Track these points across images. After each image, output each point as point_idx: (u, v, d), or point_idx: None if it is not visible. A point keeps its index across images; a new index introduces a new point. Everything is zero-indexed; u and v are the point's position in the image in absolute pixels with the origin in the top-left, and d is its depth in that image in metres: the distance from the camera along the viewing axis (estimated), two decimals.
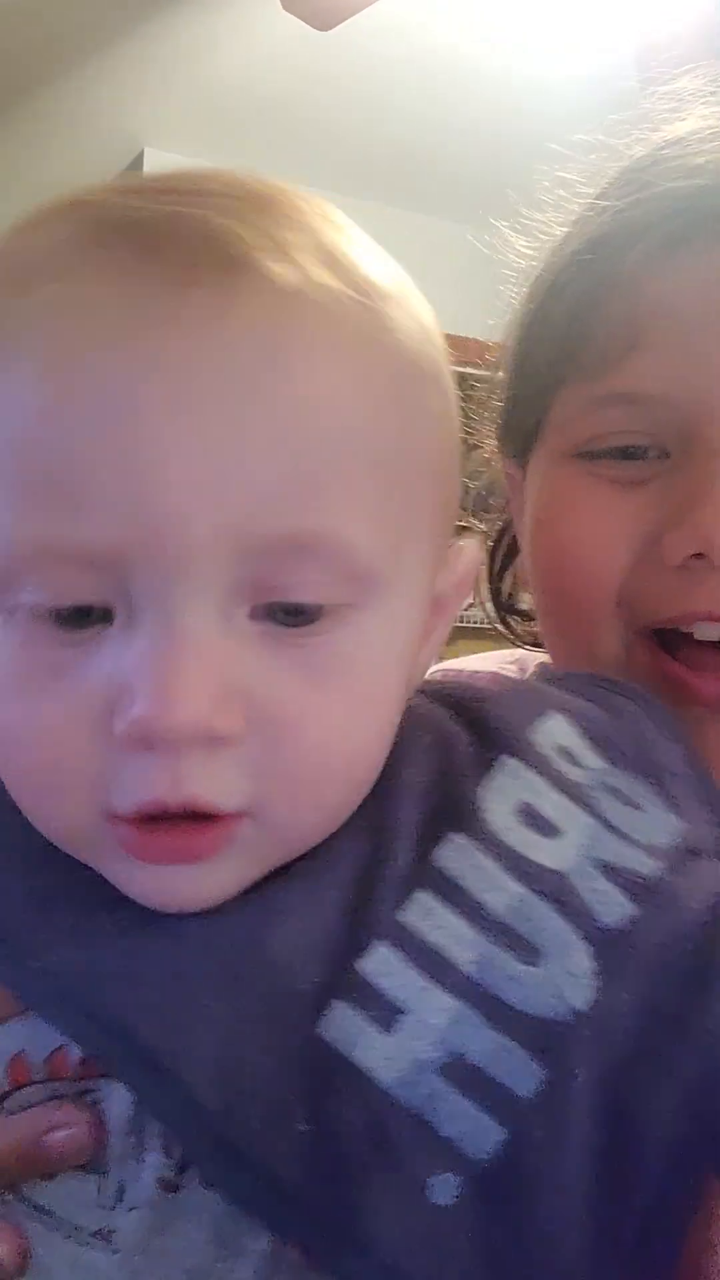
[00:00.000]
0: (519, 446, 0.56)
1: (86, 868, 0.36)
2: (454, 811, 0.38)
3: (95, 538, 0.31)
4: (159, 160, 2.97)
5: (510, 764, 0.39)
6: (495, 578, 0.66)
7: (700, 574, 0.47)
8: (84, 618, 0.32)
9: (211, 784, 0.32)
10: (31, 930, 0.36)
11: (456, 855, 0.37)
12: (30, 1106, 0.36)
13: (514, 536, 0.62)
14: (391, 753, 0.38)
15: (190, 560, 0.31)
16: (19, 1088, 0.37)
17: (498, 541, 0.67)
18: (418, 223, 3.25)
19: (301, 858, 0.36)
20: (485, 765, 0.39)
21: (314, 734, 0.33)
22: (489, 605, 0.68)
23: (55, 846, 0.36)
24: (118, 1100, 0.35)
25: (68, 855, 0.36)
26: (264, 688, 0.32)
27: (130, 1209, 0.35)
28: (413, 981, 0.34)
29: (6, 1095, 0.37)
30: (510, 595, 0.67)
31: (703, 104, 0.56)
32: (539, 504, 0.54)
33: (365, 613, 0.34)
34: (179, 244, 0.32)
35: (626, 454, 0.50)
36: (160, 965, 0.34)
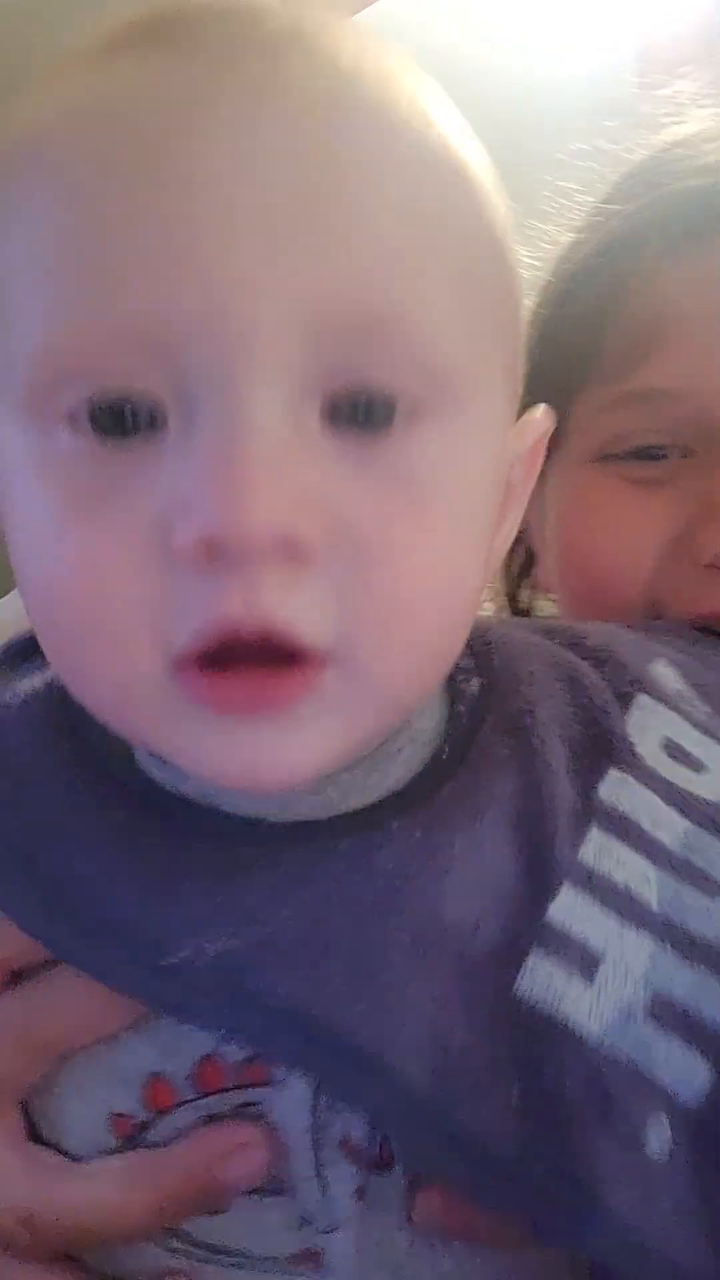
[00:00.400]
0: None
1: (192, 841, 0.32)
2: (605, 746, 0.37)
3: (145, 308, 0.27)
4: None
5: (645, 700, 0.39)
6: (513, 584, 0.67)
7: None
8: (132, 425, 0.28)
9: (291, 607, 0.27)
10: (153, 923, 0.31)
11: (622, 790, 0.36)
12: (182, 1133, 0.31)
13: (528, 546, 0.62)
14: (515, 681, 0.37)
15: (256, 336, 0.26)
16: (163, 1113, 0.32)
17: (513, 551, 0.67)
18: None
19: (450, 801, 0.33)
20: (623, 701, 0.38)
21: (403, 556, 0.28)
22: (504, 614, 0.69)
23: (150, 823, 0.32)
24: (289, 1108, 0.31)
25: (165, 830, 0.32)
26: (344, 502, 0.28)
27: (331, 1229, 0.31)
28: (607, 924, 0.33)
29: (147, 1125, 0.32)
30: (529, 607, 0.67)
31: (700, 107, 0.57)
32: (562, 510, 0.54)
33: (446, 425, 0.30)
34: (224, 21, 0.29)
35: (647, 454, 0.50)
36: (333, 940, 0.30)
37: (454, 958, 0.31)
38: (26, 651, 0.37)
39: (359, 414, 0.28)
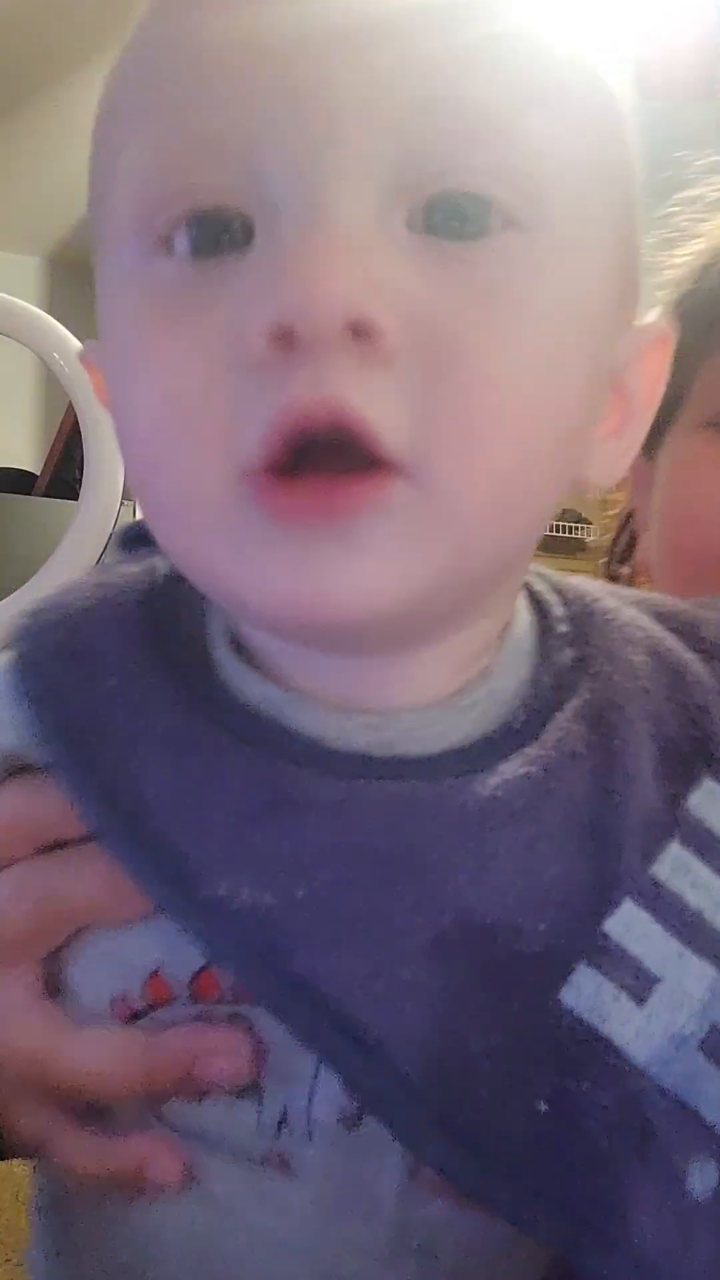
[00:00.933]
0: (649, 440, 0.59)
1: (248, 764, 0.31)
2: (704, 753, 0.34)
3: (229, 116, 0.27)
4: None
5: None
6: (615, 564, 0.66)
7: None
8: (227, 242, 0.27)
9: (364, 397, 0.26)
10: (195, 848, 0.31)
11: (715, 804, 0.33)
12: (174, 1026, 0.32)
13: (632, 532, 0.62)
14: (611, 667, 0.34)
15: (338, 135, 0.26)
16: (156, 1007, 0.33)
17: (616, 536, 0.67)
18: None
19: (512, 783, 0.31)
20: None
21: (485, 359, 0.27)
22: None
23: (210, 736, 0.31)
24: (274, 1026, 0.31)
25: (222, 748, 0.31)
26: (426, 300, 0.26)
27: (308, 1140, 0.32)
28: (669, 946, 0.31)
29: (142, 1014, 0.33)
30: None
31: None
32: (672, 480, 0.54)
33: (540, 243, 0.28)
34: None
35: None
36: (359, 921, 0.30)
37: (485, 958, 0.30)
38: (145, 536, 0.36)
39: (449, 218, 0.27)
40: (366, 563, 0.27)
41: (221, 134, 0.27)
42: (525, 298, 0.28)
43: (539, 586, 0.37)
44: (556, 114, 0.28)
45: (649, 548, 0.58)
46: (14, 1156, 0.38)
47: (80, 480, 1.62)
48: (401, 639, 0.31)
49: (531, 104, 0.28)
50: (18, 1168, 2.18)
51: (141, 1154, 0.33)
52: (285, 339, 0.25)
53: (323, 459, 0.26)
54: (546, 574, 0.38)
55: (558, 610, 0.36)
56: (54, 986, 0.35)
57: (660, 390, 0.36)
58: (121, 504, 1.62)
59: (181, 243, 0.28)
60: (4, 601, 1.58)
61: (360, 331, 0.25)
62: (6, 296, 1.62)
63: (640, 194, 0.34)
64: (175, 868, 0.31)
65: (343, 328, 0.25)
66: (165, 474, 0.29)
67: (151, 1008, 0.33)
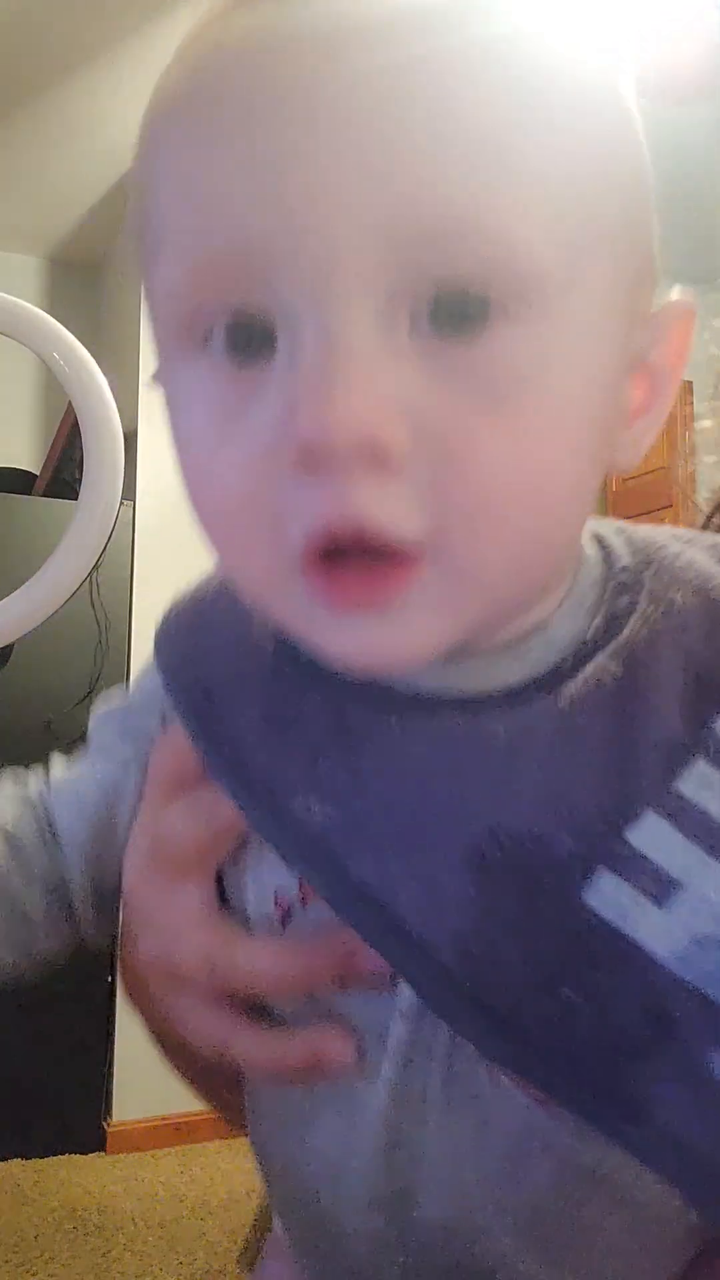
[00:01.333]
0: None
1: (325, 709, 0.37)
2: None
3: (249, 233, 0.30)
4: None
5: None
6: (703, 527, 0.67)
7: None
8: (255, 346, 0.31)
9: (381, 507, 0.30)
10: (280, 775, 0.37)
11: None
12: (319, 925, 0.38)
13: None
14: (656, 607, 0.37)
15: (339, 250, 0.29)
16: (304, 904, 0.40)
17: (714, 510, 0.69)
18: None
19: (542, 714, 0.35)
20: None
21: (487, 455, 0.30)
22: None
23: (294, 689, 0.38)
24: None
25: (306, 695, 0.38)
26: (430, 407, 0.30)
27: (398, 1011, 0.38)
28: (690, 854, 0.33)
29: (292, 911, 0.40)
30: None
31: None
32: None
33: (537, 325, 0.30)
34: None
35: None
36: (404, 833, 0.35)
37: (514, 865, 0.34)
38: None
39: (447, 319, 0.30)
40: (408, 632, 0.32)
41: (245, 248, 0.30)
42: (524, 386, 0.31)
43: (613, 541, 0.41)
44: (550, 199, 0.30)
45: None
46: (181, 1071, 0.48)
47: (79, 480, 1.62)
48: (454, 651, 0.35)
49: (519, 196, 0.29)
50: (17, 1168, 2.19)
51: (315, 1041, 0.39)
52: (310, 461, 0.30)
53: (362, 548, 0.31)
54: (624, 527, 0.42)
55: (624, 560, 0.39)
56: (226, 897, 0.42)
57: (684, 362, 0.38)
58: (121, 504, 1.62)
59: (218, 344, 0.32)
60: (4, 601, 1.59)
61: (374, 451, 0.29)
62: (6, 296, 1.62)
63: (651, 210, 0.35)
64: (264, 792, 0.37)
65: (356, 449, 0.29)
66: (234, 555, 0.35)
67: (300, 905, 0.39)
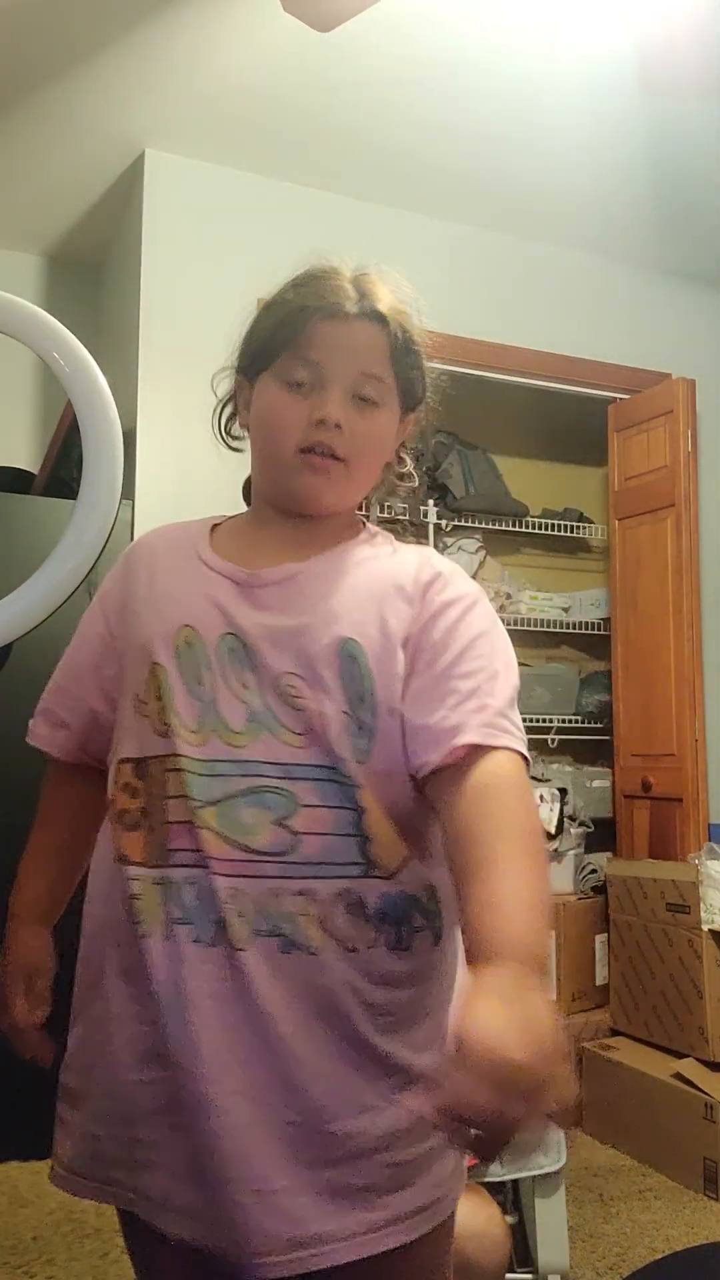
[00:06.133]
0: None
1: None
2: None
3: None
4: (160, 161, 2.97)
5: None
6: None
7: None
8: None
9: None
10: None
11: None
12: None
13: None
14: None
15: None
16: None
17: None
18: (418, 223, 3.26)
19: None
20: None
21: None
22: None
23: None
24: None
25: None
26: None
27: None
28: None
29: None
30: None
31: None
32: None
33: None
34: None
35: None
36: None
37: None
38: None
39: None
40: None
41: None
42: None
43: None
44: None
45: None
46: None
47: (78, 479, 1.62)
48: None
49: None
50: (15, 1170, 2.19)
51: None
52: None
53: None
54: None
55: None
56: None
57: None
58: (120, 503, 1.62)
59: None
60: (3, 601, 1.58)
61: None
62: (6, 295, 1.62)
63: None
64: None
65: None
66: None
67: None
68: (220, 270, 2.93)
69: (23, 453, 3.35)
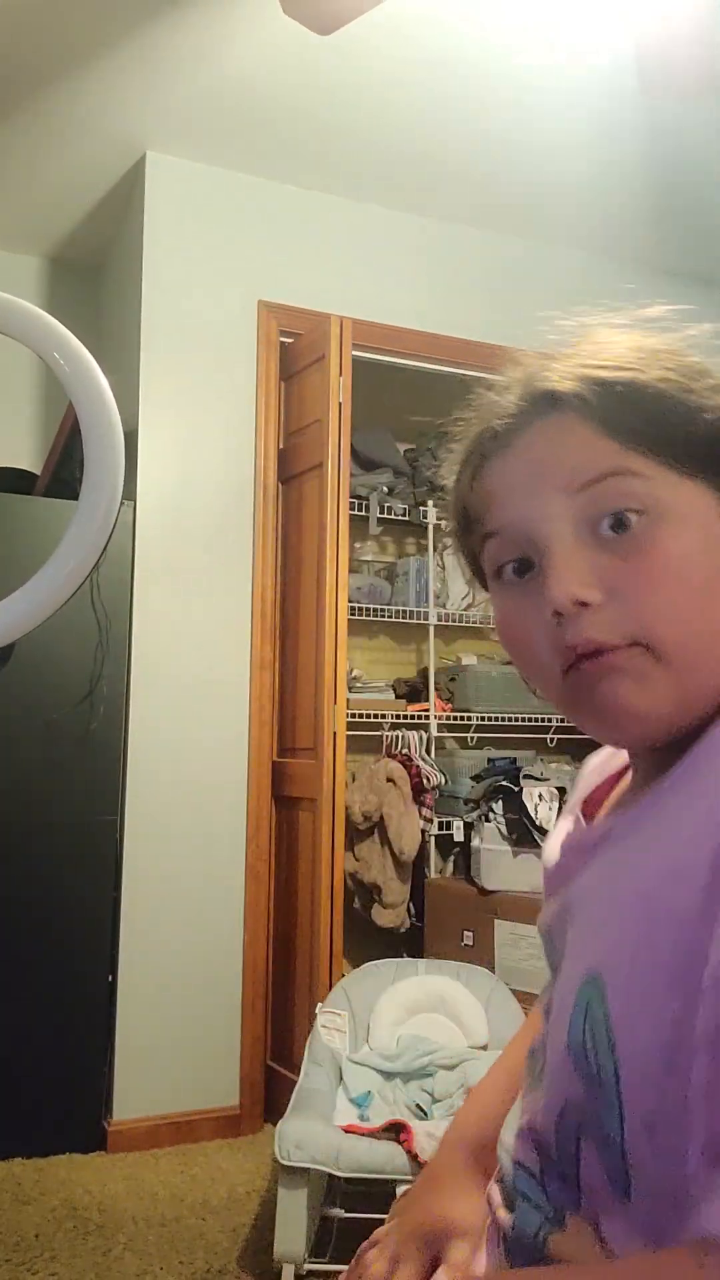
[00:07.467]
0: None
1: None
2: None
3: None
4: (161, 163, 2.98)
5: None
6: None
7: None
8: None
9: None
10: None
11: None
12: None
13: None
14: None
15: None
16: None
17: None
18: (418, 224, 3.27)
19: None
20: None
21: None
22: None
23: None
24: None
25: None
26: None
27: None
28: None
29: None
30: None
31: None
32: None
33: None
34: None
35: None
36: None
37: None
38: None
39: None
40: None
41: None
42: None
43: None
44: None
45: None
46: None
47: (79, 480, 1.62)
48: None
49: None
50: (18, 1167, 2.19)
51: None
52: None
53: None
54: None
55: None
56: None
57: None
58: (121, 504, 1.62)
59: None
60: (4, 601, 1.59)
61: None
62: (7, 296, 1.62)
63: None
64: None
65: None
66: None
67: None
68: (221, 271, 2.94)
69: (25, 454, 3.36)
